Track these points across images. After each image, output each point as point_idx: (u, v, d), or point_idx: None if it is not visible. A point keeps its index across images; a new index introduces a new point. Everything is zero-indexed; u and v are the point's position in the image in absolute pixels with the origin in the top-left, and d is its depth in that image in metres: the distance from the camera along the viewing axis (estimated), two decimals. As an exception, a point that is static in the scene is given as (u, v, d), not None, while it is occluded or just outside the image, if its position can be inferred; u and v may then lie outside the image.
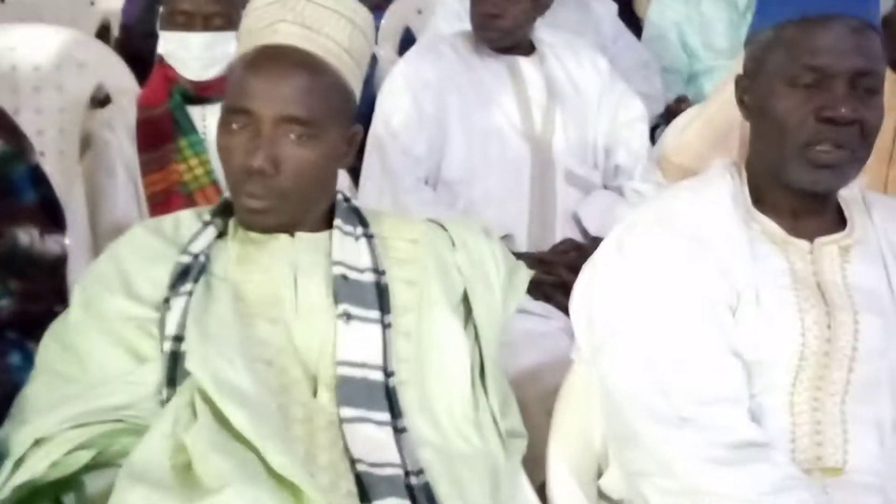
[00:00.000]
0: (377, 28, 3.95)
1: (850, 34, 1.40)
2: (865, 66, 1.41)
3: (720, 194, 1.48)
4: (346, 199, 1.57)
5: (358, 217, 1.55)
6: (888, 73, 2.22)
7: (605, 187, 2.48)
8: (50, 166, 2.65)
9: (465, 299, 1.55)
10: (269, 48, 1.46)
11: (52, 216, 1.72)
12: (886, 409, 1.43)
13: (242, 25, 1.54)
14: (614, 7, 3.32)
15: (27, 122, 3.04)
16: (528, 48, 2.48)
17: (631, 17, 3.85)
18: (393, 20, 3.97)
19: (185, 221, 1.53)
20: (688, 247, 1.44)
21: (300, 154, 1.44)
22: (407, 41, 3.80)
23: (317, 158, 1.45)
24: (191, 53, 2.25)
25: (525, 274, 1.63)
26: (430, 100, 2.39)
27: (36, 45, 3.07)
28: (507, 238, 2.30)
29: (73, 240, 2.23)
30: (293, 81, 1.44)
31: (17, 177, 1.62)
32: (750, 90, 1.48)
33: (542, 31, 2.52)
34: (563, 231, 2.36)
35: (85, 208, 2.29)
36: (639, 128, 2.49)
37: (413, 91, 2.39)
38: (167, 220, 1.54)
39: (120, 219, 2.18)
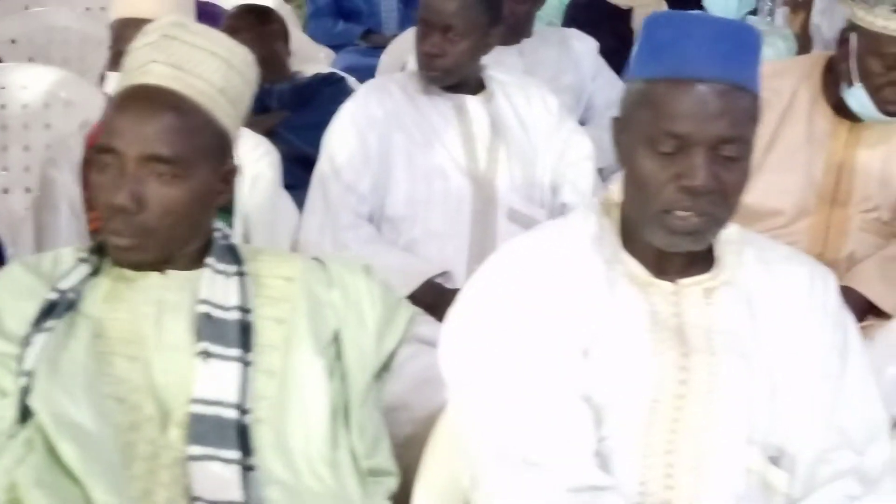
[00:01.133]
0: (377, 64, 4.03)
1: (716, 99, 1.36)
2: (728, 134, 1.37)
3: (580, 236, 1.48)
4: (225, 237, 1.59)
5: (233, 255, 1.57)
6: (826, 112, 2.21)
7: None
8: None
9: (338, 338, 1.55)
10: (138, 88, 1.49)
11: None
12: (743, 453, 1.40)
13: (122, 66, 1.57)
14: (594, 44, 3.31)
15: (15, 159, 3.17)
16: (476, 86, 2.49)
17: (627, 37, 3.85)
18: (392, 56, 4.01)
19: (65, 258, 1.56)
20: (543, 289, 1.43)
21: (165, 192, 1.46)
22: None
23: (183, 197, 1.47)
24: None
25: (406, 312, 1.62)
26: (376, 137, 2.41)
27: (25, 84, 3.18)
28: (445, 275, 2.31)
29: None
30: (158, 120, 1.46)
31: None
32: (621, 137, 1.47)
33: (494, 70, 2.53)
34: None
35: (31, 242, 2.34)
36: (585, 166, 2.49)
37: (359, 129, 2.42)
38: (47, 257, 1.57)
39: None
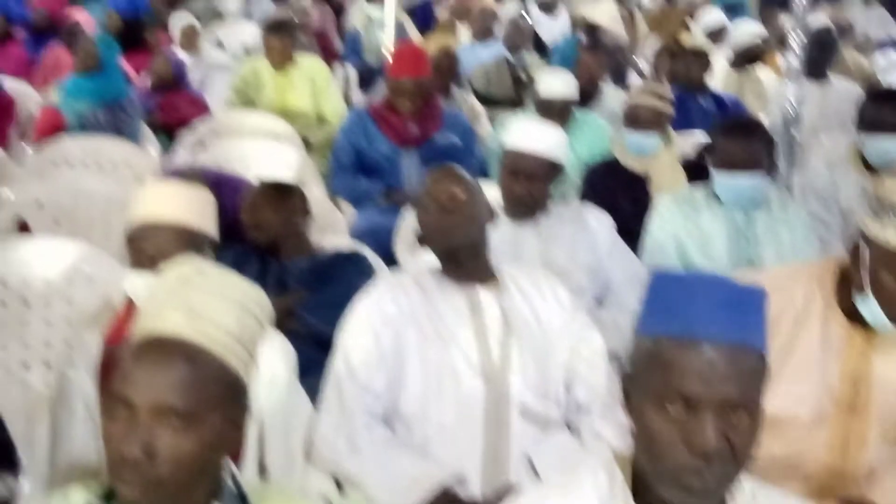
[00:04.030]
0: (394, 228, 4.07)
1: (724, 360, 1.38)
2: (736, 397, 1.38)
3: (588, 498, 1.47)
4: (236, 483, 1.59)
5: (242, 501, 1.57)
6: (840, 319, 2.20)
7: (567, 424, 2.45)
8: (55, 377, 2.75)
9: None
10: (152, 337, 1.52)
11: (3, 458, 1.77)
12: None
13: (140, 309, 1.60)
14: (610, 221, 3.34)
15: (36, 334, 3.19)
16: (488, 276, 2.51)
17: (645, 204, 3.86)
18: (411, 221, 4.05)
19: (74, 498, 1.56)
20: None
21: (177, 444, 1.47)
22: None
23: (195, 448, 1.48)
24: (151, 292, 2.32)
25: None
26: (390, 335, 2.43)
27: (48, 258, 3.22)
28: (459, 482, 2.29)
29: (32, 471, 2.31)
30: (171, 373, 1.48)
31: None
32: (630, 392, 1.48)
33: (504, 263, 2.56)
34: (517, 472, 2.34)
35: (47, 440, 2.35)
36: (598, 363, 2.49)
37: (374, 327, 2.44)
38: (55, 498, 1.58)
39: (77, 458, 2.23)
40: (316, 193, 4.40)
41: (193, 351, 1.51)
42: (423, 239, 2.57)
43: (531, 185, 3.19)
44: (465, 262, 2.50)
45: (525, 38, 6.32)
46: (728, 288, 1.44)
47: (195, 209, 2.42)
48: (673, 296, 1.44)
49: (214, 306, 1.55)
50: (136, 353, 1.52)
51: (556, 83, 4.67)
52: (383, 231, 4.21)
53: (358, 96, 7.43)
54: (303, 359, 2.53)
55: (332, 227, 3.99)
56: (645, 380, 1.43)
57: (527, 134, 3.28)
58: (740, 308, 1.42)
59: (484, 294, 2.48)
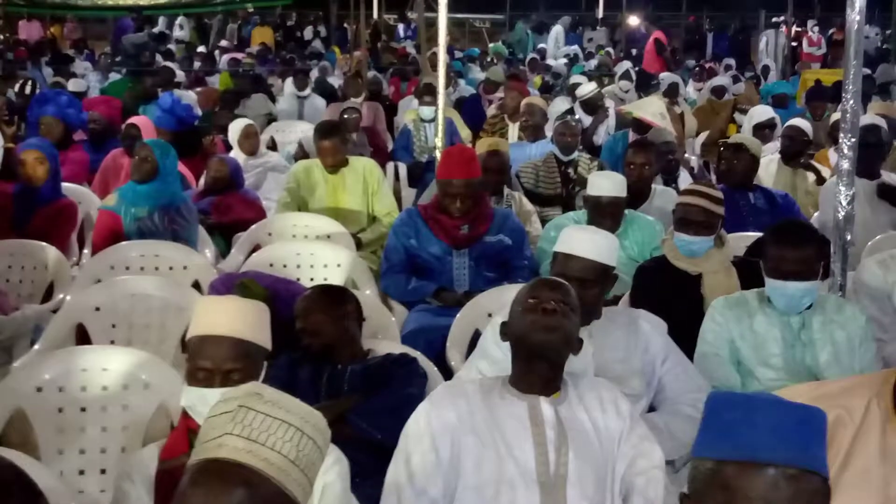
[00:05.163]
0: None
1: (786, 485, 1.40)
2: None
3: None
4: None
5: None
6: (892, 419, 2.16)
7: (623, 536, 2.43)
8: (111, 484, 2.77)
9: None
10: (210, 462, 1.54)
11: None
12: None
13: (200, 432, 1.62)
14: (663, 325, 3.32)
15: (92, 441, 3.22)
16: (554, 388, 2.52)
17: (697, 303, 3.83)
18: (462, 325, 4.07)
19: None
20: None
21: None
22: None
23: None
24: (209, 408, 2.36)
25: None
26: (448, 443, 2.44)
27: (105, 366, 3.27)
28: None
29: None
30: (229, 498, 1.50)
31: None
32: None
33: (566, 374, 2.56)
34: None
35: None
36: (656, 476, 2.46)
37: (433, 435, 2.45)
38: None
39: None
40: (367, 294, 4.44)
41: (251, 475, 1.52)
42: (512, 337, 2.59)
43: (583, 291, 3.18)
44: (543, 374, 2.52)
45: (575, 137, 6.37)
46: (788, 411, 1.44)
47: (250, 322, 2.46)
48: (733, 419, 1.44)
49: (274, 432, 1.57)
50: (195, 476, 1.54)
51: (605, 182, 4.69)
52: (435, 331, 4.23)
53: (408, 193, 7.53)
54: (354, 464, 2.53)
55: (384, 329, 4.01)
56: (706, 502, 1.42)
57: (578, 238, 3.29)
58: (801, 432, 1.42)
59: (545, 404, 2.48)
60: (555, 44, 19.70)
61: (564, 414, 2.48)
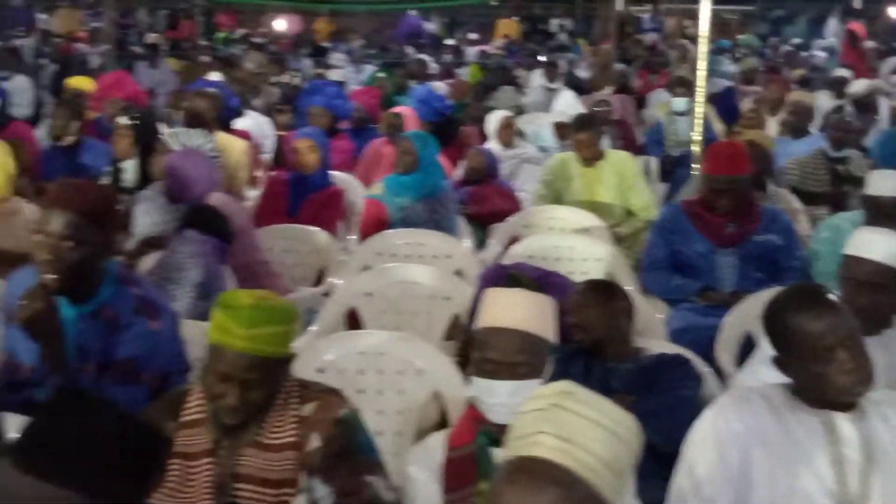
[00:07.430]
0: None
1: None
2: None
3: None
4: None
5: None
6: None
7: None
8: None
9: None
10: (524, 460, 1.53)
11: None
12: None
13: (512, 430, 1.61)
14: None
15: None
16: (847, 403, 2.37)
17: None
18: (733, 326, 3.93)
19: None
20: None
21: None
22: (747, 346, 3.73)
23: None
24: (496, 399, 2.38)
25: None
26: (737, 454, 2.33)
27: (382, 351, 3.36)
28: None
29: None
30: (543, 497, 1.49)
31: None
32: None
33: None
34: None
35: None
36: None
37: (719, 444, 2.35)
38: None
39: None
40: (630, 291, 4.37)
41: (566, 475, 1.50)
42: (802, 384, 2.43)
43: (875, 296, 3.01)
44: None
45: (850, 133, 6.03)
46: None
47: (537, 315, 2.46)
48: None
49: (587, 432, 1.54)
50: (509, 474, 1.53)
51: (888, 182, 4.42)
52: (700, 331, 4.11)
53: (659, 187, 7.38)
54: (629, 466, 2.48)
55: (649, 327, 3.93)
56: None
57: (870, 240, 3.11)
58: None
59: (841, 420, 2.34)
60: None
61: (866, 433, 2.33)
